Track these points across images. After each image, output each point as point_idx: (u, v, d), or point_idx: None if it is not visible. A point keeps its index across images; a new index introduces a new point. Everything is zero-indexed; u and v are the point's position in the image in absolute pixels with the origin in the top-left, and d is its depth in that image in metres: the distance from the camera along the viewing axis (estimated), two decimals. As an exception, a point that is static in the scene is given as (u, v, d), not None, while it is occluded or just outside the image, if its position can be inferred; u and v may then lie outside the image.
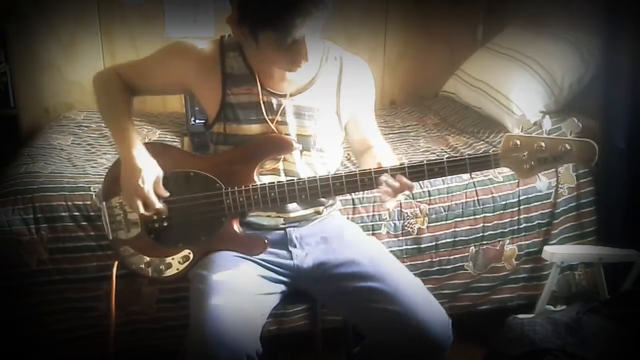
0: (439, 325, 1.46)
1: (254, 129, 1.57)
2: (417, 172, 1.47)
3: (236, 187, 1.54)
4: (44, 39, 2.93)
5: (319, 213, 1.66)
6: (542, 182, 1.47)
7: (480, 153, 1.47)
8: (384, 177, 1.45)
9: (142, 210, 1.53)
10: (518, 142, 1.41)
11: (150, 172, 1.52)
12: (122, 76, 1.64)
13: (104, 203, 1.63)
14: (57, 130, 2.64)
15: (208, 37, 2.91)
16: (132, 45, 3.02)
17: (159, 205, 1.54)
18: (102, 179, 1.70)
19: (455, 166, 1.46)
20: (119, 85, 1.62)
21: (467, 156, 1.46)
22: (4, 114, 3.00)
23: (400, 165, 1.48)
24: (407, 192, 1.49)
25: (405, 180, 1.46)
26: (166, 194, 1.56)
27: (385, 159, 1.54)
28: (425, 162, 1.47)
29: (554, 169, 2.23)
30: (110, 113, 1.63)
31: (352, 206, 2.10)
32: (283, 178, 1.58)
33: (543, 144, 1.40)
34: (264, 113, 1.56)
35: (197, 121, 2.52)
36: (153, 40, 3.00)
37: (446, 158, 1.47)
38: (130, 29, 3.01)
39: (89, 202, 1.95)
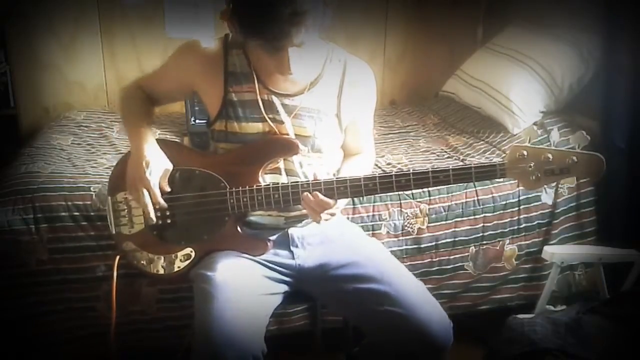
0: (440, 328, 1.47)
1: (255, 127, 1.57)
2: (422, 179, 1.48)
3: (240, 187, 1.54)
4: (44, 39, 2.93)
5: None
6: (548, 194, 1.45)
7: (487, 163, 1.47)
8: (305, 193, 1.48)
9: (144, 201, 1.53)
10: (525, 152, 1.40)
11: (158, 166, 1.53)
12: (143, 87, 1.68)
13: (109, 198, 1.64)
14: (57, 130, 2.64)
15: (208, 37, 2.93)
16: (132, 45, 3.02)
17: (161, 199, 1.54)
18: (102, 179, 1.70)
19: (461, 175, 1.46)
20: (141, 96, 1.67)
21: (473, 165, 1.46)
22: (4, 114, 3.00)
23: (406, 172, 1.48)
24: (331, 212, 1.50)
25: (321, 197, 1.47)
26: (168, 189, 1.56)
27: (351, 170, 1.58)
28: (430, 169, 1.47)
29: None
30: (129, 120, 1.65)
31: (352, 206, 2.10)
32: (284, 177, 1.58)
33: (550, 155, 1.38)
34: (263, 112, 1.56)
35: (197, 121, 2.52)
36: (153, 40, 3.00)
37: (452, 167, 1.47)
38: (130, 29, 3.00)
39: (89, 202, 1.95)
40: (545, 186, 1.43)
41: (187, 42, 1.62)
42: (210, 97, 1.59)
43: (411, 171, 1.48)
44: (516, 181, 2.21)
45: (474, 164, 1.47)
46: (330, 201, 1.48)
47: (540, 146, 1.41)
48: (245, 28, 1.38)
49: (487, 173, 1.45)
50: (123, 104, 1.70)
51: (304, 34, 1.36)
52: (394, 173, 1.49)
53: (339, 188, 1.50)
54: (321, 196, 1.47)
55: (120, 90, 1.74)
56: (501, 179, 2.18)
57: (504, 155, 2.14)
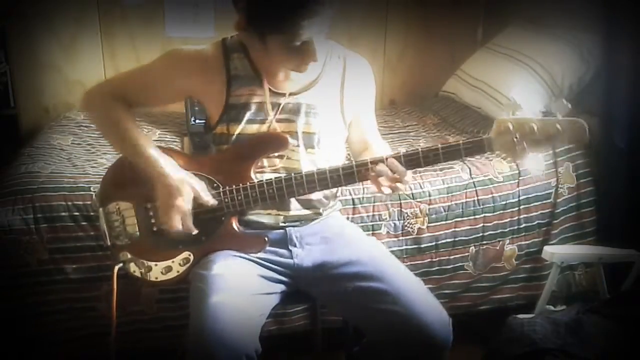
0: (439, 325, 1.46)
1: (259, 128, 1.57)
2: (412, 159, 1.47)
3: (234, 186, 1.54)
4: (44, 39, 2.93)
5: (319, 214, 1.67)
6: (531, 161, 1.46)
7: (474, 138, 1.47)
8: (379, 167, 1.46)
9: (181, 227, 1.52)
10: (510, 125, 1.42)
11: (189, 190, 1.51)
12: (119, 93, 1.58)
13: (100, 209, 1.62)
14: (57, 130, 2.64)
15: (208, 37, 2.93)
16: (132, 45, 3.02)
17: (191, 225, 1.53)
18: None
19: (450, 152, 1.46)
20: (119, 106, 1.57)
21: (461, 142, 1.46)
22: (4, 114, 3.01)
23: (396, 153, 1.48)
24: (401, 184, 1.48)
25: (399, 166, 1.45)
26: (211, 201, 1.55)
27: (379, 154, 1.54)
28: (420, 149, 1.47)
29: (553, 166, 2.26)
30: (124, 140, 1.56)
31: (352, 206, 2.10)
32: (281, 176, 1.58)
33: (535, 125, 1.41)
34: (270, 113, 1.56)
35: (197, 121, 2.52)
36: (153, 40, 3.00)
37: (441, 145, 1.46)
38: (130, 29, 3.01)
39: (89, 202, 1.95)
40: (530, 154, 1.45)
41: (178, 51, 1.58)
42: (211, 102, 1.58)
43: (402, 153, 1.48)
44: (516, 181, 2.23)
45: (462, 141, 1.46)
46: (404, 169, 1.46)
47: (524, 117, 1.43)
48: (270, 26, 1.37)
49: (475, 148, 1.46)
50: (103, 121, 1.61)
51: (328, 13, 1.37)
52: (385, 156, 1.48)
53: (332, 177, 1.50)
54: (397, 164, 1.45)
55: (87, 103, 1.61)
56: (501, 180, 2.21)
57: (503, 155, 2.15)
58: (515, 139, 1.42)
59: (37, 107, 3.02)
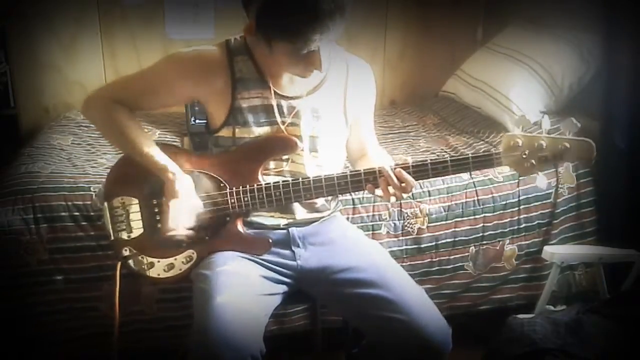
0: (439, 334, 1.47)
1: (264, 131, 1.57)
2: (421, 170, 1.48)
3: (240, 187, 1.54)
4: (44, 39, 2.93)
5: (321, 216, 1.67)
6: (541, 178, 1.48)
7: (483, 152, 1.49)
8: (387, 176, 1.46)
9: (183, 229, 1.53)
10: (519, 141, 1.43)
11: (196, 201, 1.53)
12: (120, 97, 1.58)
13: (105, 204, 1.63)
14: (57, 130, 2.64)
15: (208, 38, 2.92)
16: (132, 45, 3.02)
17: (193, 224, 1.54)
18: (102, 179, 1.69)
19: (459, 165, 1.48)
20: (120, 108, 1.58)
21: (470, 155, 1.48)
22: (4, 114, 3.00)
23: (404, 164, 1.49)
24: (406, 193, 1.50)
25: (407, 176, 1.46)
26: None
27: (383, 163, 1.54)
28: (429, 161, 1.48)
29: (554, 169, 2.26)
30: (125, 141, 1.57)
31: (352, 206, 2.10)
32: (289, 179, 1.58)
33: (543, 143, 1.42)
34: (277, 116, 1.56)
35: (197, 121, 2.52)
36: (153, 40, 3.00)
37: (450, 157, 1.48)
38: (130, 29, 3.01)
39: (89, 202, 1.95)
40: (538, 172, 1.47)
41: (180, 56, 1.57)
42: (215, 105, 1.57)
43: (410, 163, 1.48)
44: (516, 181, 2.23)
45: (472, 154, 1.48)
46: (412, 180, 1.47)
47: (534, 134, 1.44)
48: (280, 35, 1.37)
49: (483, 162, 1.48)
50: (109, 130, 1.62)
51: (339, 28, 1.37)
52: (393, 165, 1.49)
53: (339, 184, 1.51)
54: (405, 175, 1.46)
55: (88, 110, 1.63)
56: (501, 180, 2.21)
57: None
58: (523, 156, 1.43)
59: (37, 107, 3.02)
